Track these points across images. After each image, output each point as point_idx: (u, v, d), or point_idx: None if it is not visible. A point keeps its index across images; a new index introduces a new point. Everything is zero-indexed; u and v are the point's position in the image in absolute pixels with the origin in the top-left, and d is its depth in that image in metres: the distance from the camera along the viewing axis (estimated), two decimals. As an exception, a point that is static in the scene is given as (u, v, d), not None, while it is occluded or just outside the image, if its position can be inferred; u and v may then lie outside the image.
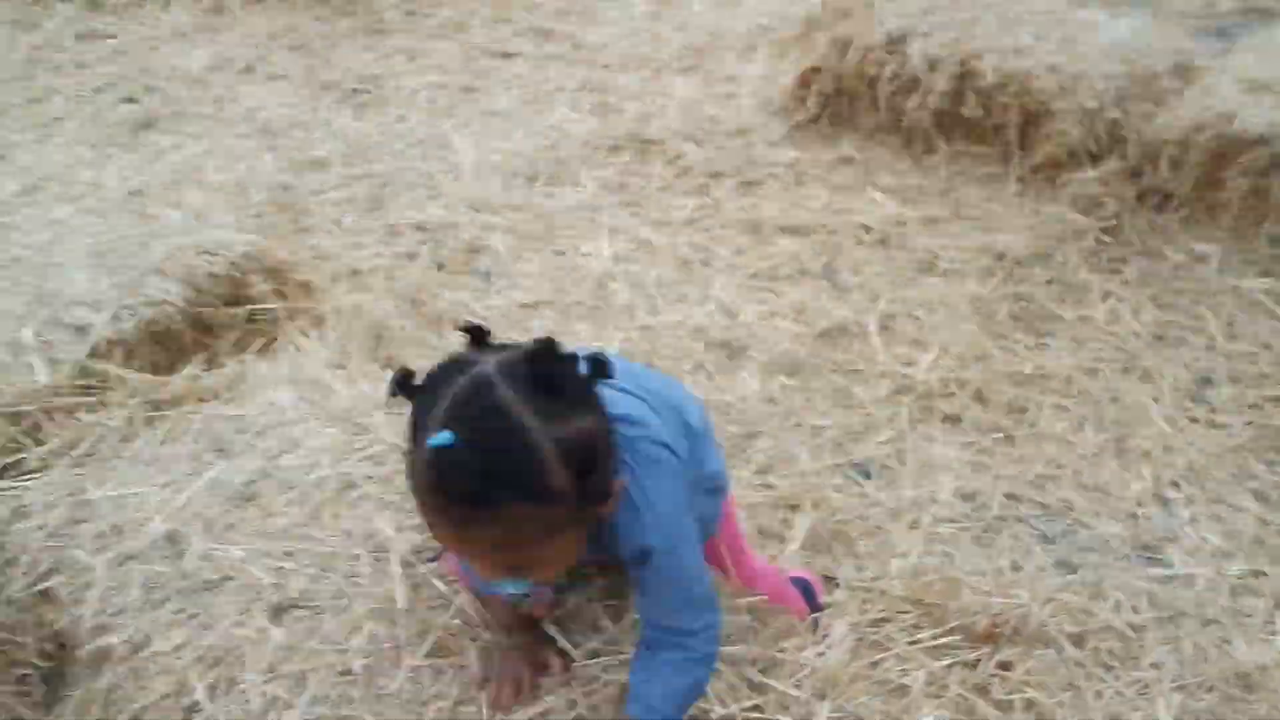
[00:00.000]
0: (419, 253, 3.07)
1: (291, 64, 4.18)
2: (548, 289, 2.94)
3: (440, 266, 3.02)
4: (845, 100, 3.61)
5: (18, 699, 1.71)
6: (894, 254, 3.12)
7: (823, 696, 1.50)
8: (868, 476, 2.42)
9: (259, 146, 3.63)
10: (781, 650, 1.54)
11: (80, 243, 2.22)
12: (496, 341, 1.22)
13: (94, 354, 1.95)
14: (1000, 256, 3.07)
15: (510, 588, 1.25)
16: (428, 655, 1.42)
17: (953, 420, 2.57)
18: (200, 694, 1.40)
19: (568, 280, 2.98)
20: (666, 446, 1.31)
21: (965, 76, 3.36)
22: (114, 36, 4.37)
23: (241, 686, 1.40)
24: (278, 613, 1.49)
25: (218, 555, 1.56)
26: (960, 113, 3.38)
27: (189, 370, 1.95)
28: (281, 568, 1.54)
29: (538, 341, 1.14)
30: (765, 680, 1.49)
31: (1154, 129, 3.14)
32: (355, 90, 4.00)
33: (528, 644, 1.44)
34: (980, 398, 2.62)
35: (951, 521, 2.31)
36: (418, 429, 1.12)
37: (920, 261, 3.09)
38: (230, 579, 1.54)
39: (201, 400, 1.87)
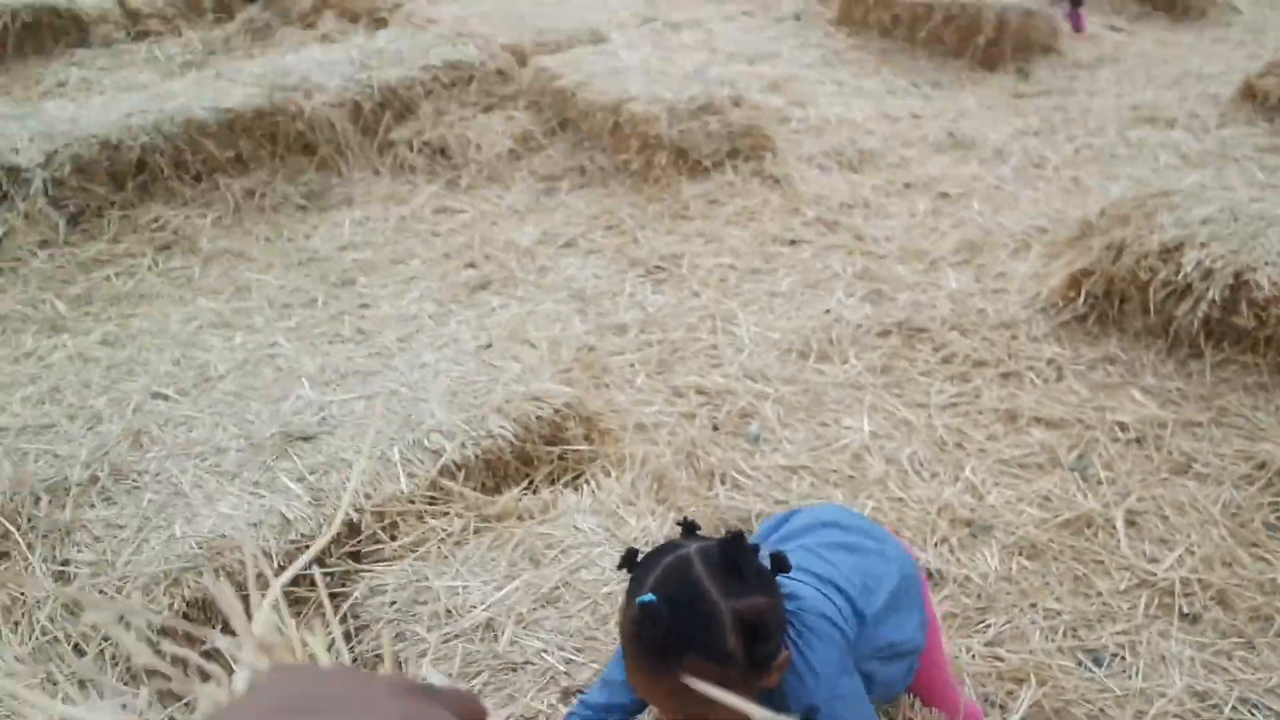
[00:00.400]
0: (698, 414, 3.49)
1: (606, 241, 4.83)
2: (808, 456, 3.27)
3: (715, 427, 3.43)
4: (1114, 302, 3.78)
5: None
6: (1149, 453, 3.22)
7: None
8: (1098, 664, 2.54)
9: (572, 310, 4.22)
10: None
11: (441, 384, 2.80)
12: (702, 533, 1.53)
13: (442, 473, 2.48)
14: (1261, 466, 3.11)
15: None
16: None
17: (1192, 619, 2.65)
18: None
19: (827, 449, 3.29)
20: (826, 618, 1.57)
21: (1240, 287, 3.46)
22: (464, 211, 5.21)
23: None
24: (566, 695, 1.87)
25: (524, 643, 1.97)
26: (1232, 321, 3.47)
27: (513, 493, 2.42)
28: (572, 660, 1.93)
29: (729, 533, 1.42)
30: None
31: None
32: (658, 267, 4.56)
33: None
34: (1223, 601, 2.68)
35: (1179, 718, 2.39)
36: (631, 592, 1.43)
37: (1176, 463, 3.18)
38: (531, 663, 1.93)
39: (520, 519, 2.32)
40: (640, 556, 1.50)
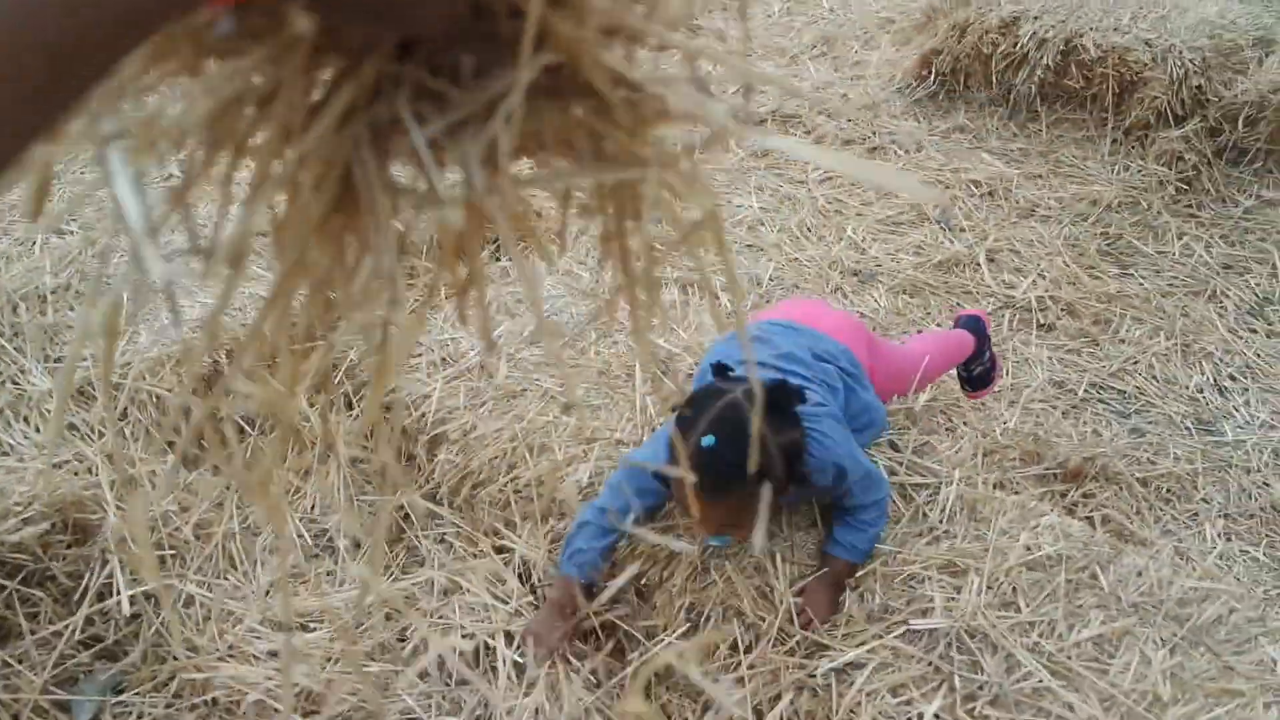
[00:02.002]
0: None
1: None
2: (710, 230, 3.60)
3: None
4: (961, 77, 4.19)
5: (358, 485, 2.44)
6: (1000, 203, 3.70)
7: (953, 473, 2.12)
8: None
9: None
10: (925, 443, 2.16)
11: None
12: (733, 374, 1.79)
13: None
14: (1093, 204, 3.62)
15: (714, 541, 1.85)
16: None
17: (1047, 328, 3.16)
18: (518, 454, 2.11)
19: (727, 223, 3.64)
20: (822, 405, 1.88)
21: (1070, 52, 3.91)
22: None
23: (546, 448, 2.10)
24: (567, 408, 2.19)
25: (518, 375, 2.27)
26: (1063, 83, 3.93)
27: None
28: (562, 383, 2.25)
29: (772, 382, 1.71)
30: (916, 459, 2.12)
31: (1233, 92, 3.66)
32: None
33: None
34: (1071, 311, 3.20)
35: (1043, 402, 2.90)
36: (684, 428, 1.65)
37: (1023, 209, 3.66)
38: (528, 389, 2.24)
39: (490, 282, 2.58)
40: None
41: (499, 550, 2.18)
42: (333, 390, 2.49)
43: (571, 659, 1.87)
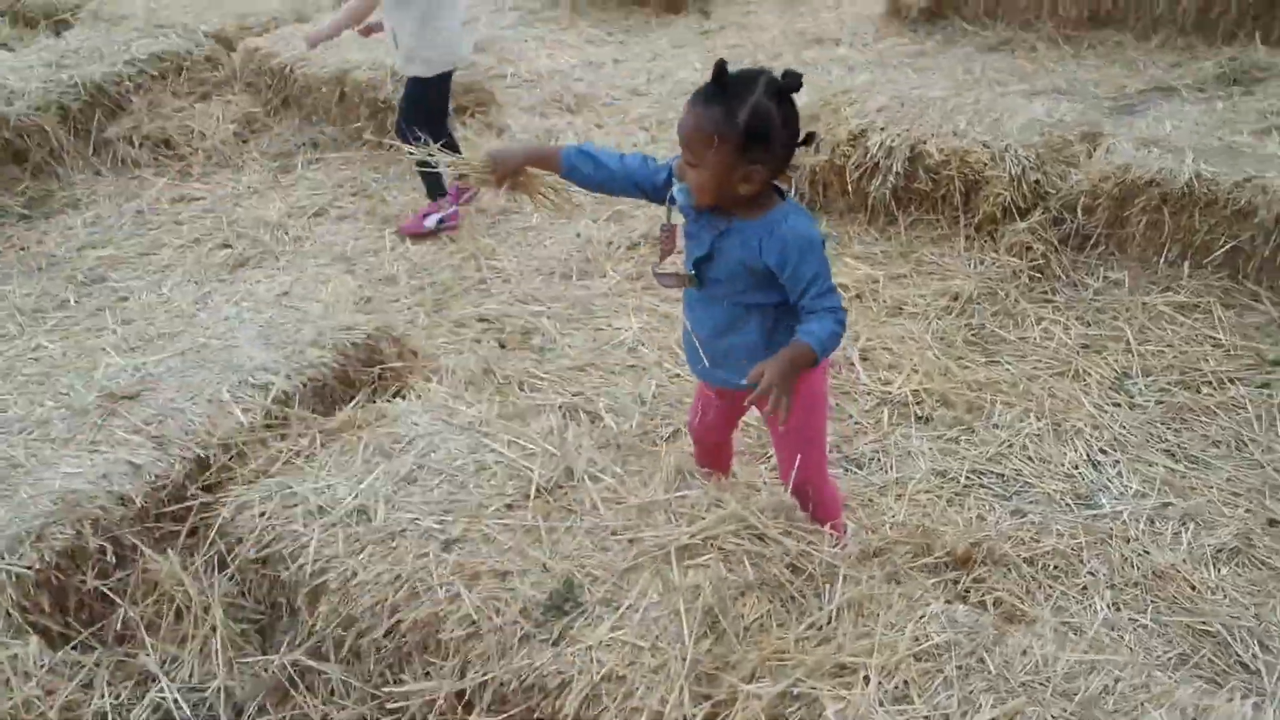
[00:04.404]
0: (483, 338, 3.78)
1: (355, 205, 4.98)
2: (590, 355, 3.64)
3: (502, 345, 3.74)
4: (820, 189, 4.38)
5: (239, 647, 2.34)
6: (869, 304, 3.83)
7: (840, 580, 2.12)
8: (860, 468, 3.07)
9: (339, 271, 4.38)
10: (812, 543, 2.17)
11: (250, 331, 2.96)
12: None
13: (275, 402, 2.66)
14: (955, 297, 3.77)
15: (678, 194, 2.04)
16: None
17: (925, 420, 3.24)
18: (399, 596, 2.06)
19: (607, 347, 3.68)
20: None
21: (915, 158, 4.12)
22: (202, 198, 5.19)
23: (429, 588, 2.05)
24: (447, 546, 2.15)
25: (397, 516, 2.23)
26: (914, 187, 4.13)
27: (348, 408, 2.64)
28: (443, 519, 2.20)
29: (787, 71, 1.94)
30: (798, 563, 2.12)
31: (1068, 184, 3.89)
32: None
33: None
34: (945, 402, 3.29)
35: (928, 492, 2.96)
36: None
37: (890, 308, 3.79)
38: (408, 530, 2.19)
39: (360, 428, 2.55)
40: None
41: (391, 710, 2.11)
42: (207, 550, 2.41)
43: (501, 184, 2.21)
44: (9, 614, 2.21)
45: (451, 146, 4.48)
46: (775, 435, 2.42)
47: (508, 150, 2.23)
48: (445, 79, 4.45)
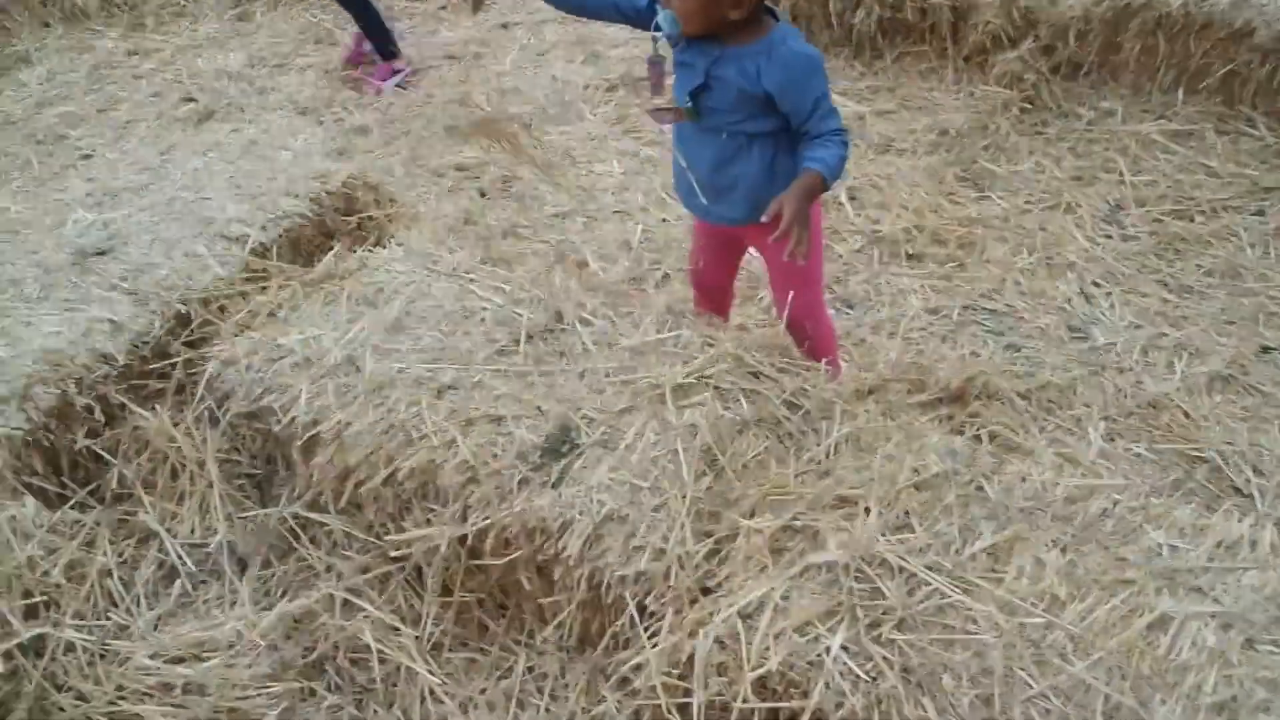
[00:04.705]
0: (464, 186, 3.68)
1: (319, 56, 4.77)
2: (573, 201, 3.55)
3: (482, 194, 3.64)
4: (803, 23, 4.21)
5: (237, 503, 2.33)
6: (855, 141, 3.72)
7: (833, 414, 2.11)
8: (851, 308, 3.04)
9: (308, 122, 4.22)
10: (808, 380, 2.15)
11: (220, 182, 2.86)
12: None
13: (252, 254, 2.59)
14: (944, 133, 3.68)
15: (665, 22, 1.92)
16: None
17: (916, 258, 3.20)
18: (394, 445, 2.04)
19: (594, 191, 3.59)
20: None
21: (903, -11, 3.96)
22: (159, 50, 4.96)
23: (424, 435, 2.03)
24: (440, 393, 2.12)
25: (386, 365, 2.19)
26: (900, 19, 3.98)
27: (327, 258, 2.56)
28: (432, 366, 2.17)
29: None
30: (794, 400, 2.11)
31: (1060, 10, 3.75)
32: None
33: None
34: (936, 239, 3.24)
35: (921, 330, 2.94)
36: None
37: (878, 146, 3.70)
38: (399, 379, 2.16)
39: (341, 278, 2.48)
40: None
41: (394, 558, 2.12)
42: (197, 406, 2.37)
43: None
44: (2, 476, 2.18)
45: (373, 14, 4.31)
46: (773, 271, 2.38)
47: None
48: None
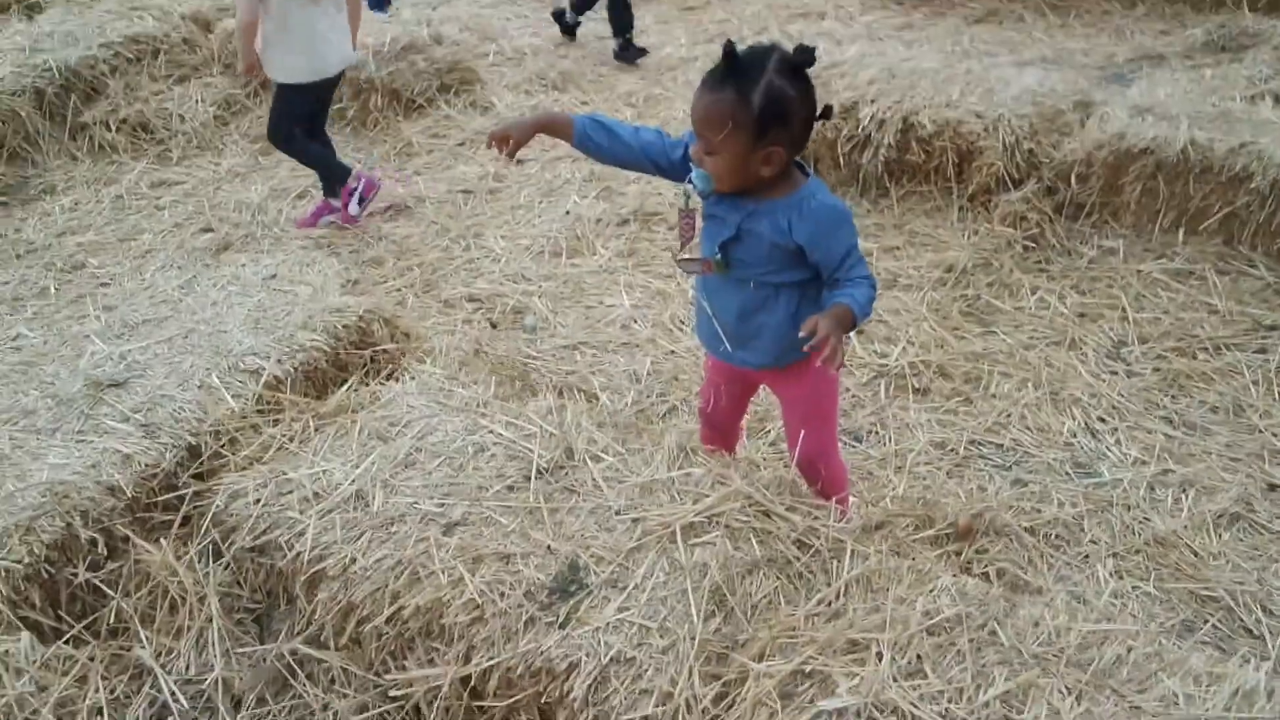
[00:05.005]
0: (474, 318, 3.74)
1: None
2: (584, 333, 3.59)
3: (493, 325, 3.69)
4: (811, 162, 4.33)
5: (236, 638, 2.30)
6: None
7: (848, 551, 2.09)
8: (859, 441, 3.05)
9: (324, 254, 4.31)
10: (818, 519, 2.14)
11: (238, 315, 2.91)
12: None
13: (266, 387, 2.61)
14: (949, 269, 3.75)
15: (698, 179, 1.97)
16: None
17: (922, 392, 3.21)
18: (400, 582, 2.02)
19: (600, 324, 3.64)
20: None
21: (907, 130, 4.09)
22: (182, 182, 5.11)
23: (431, 573, 2.02)
24: (448, 529, 2.11)
25: (395, 500, 2.19)
26: (906, 159, 4.10)
27: (341, 392, 2.59)
28: (443, 502, 2.16)
29: (799, 46, 1.88)
30: (804, 539, 2.09)
31: (1062, 153, 3.87)
32: (393, 206, 4.71)
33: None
34: (943, 373, 3.27)
35: (928, 464, 2.94)
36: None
37: (885, 281, 3.76)
38: (407, 515, 2.15)
39: (354, 411, 2.50)
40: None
41: (393, 698, 2.08)
42: (201, 539, 2.36)
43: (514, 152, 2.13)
44: (-1, 609, 2.16)
45: (326, 149, 4.48)
46: (789, 412, 2.39)
47: (520, 119, 2.17)
48: (313, 88, 4.29)
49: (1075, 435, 3.00)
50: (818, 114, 1.94)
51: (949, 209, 4.04)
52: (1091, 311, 3.50)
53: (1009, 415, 3.09)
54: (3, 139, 5.11)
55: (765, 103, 1.84)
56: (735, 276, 2.10)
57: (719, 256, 2.08)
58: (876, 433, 3.07)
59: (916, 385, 3.23)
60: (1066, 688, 1.75)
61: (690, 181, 2.01)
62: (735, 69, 1.86)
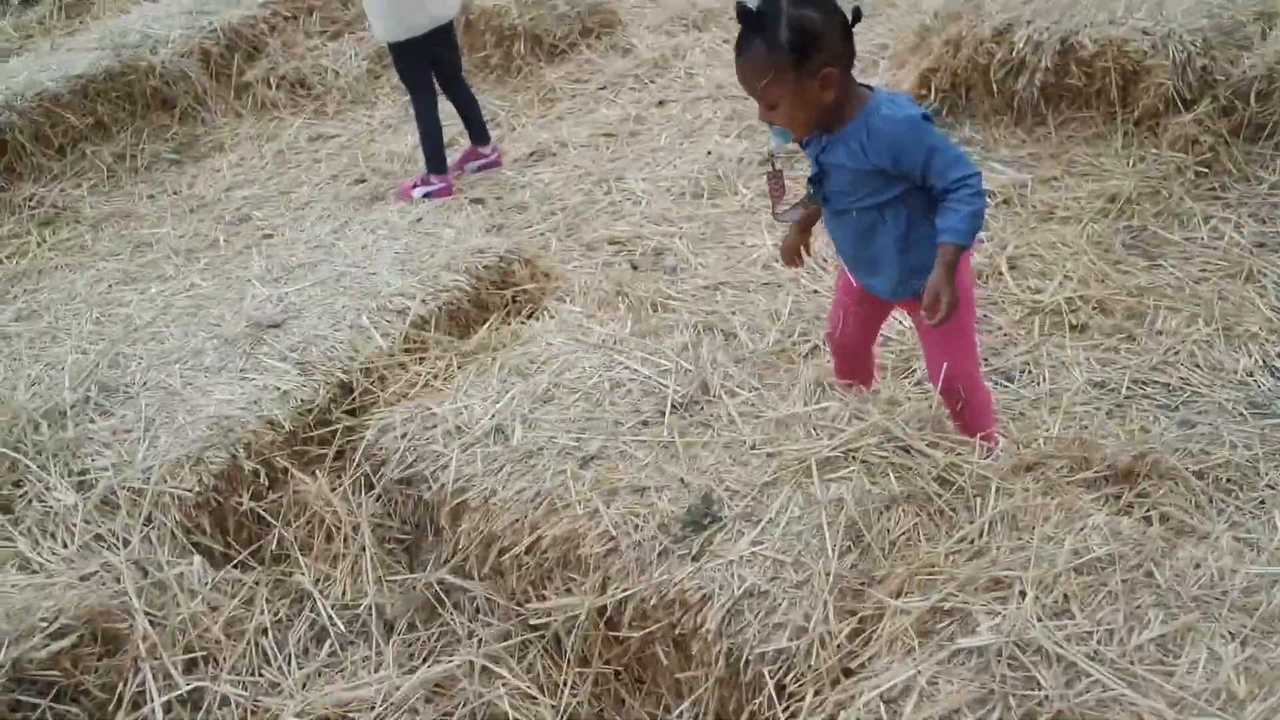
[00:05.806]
0: (615, 260, 3.75)
1: (485, 135, 4.99)
2: (724, 273, 3.56)
3: (634, 266, 3.69)
4: (962, 91, 4.15)
5: (387, 566, 2.39)
6: (1017, 210, 3.62)
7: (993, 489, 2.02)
8: (1010, 380, 2.93)
9: (467, 201, 4.40)
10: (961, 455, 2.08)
11: (386, 257, 3.01)
12: None
13: (412, 326, 2.70)
14: (1112, 199, 3.53)
15: (775, 135, 2.01)
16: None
17: (1080, 329, 3.06)
18: (539, 514, 2.06)
19: (742, 264, 3.60)
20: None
21: (1067, 52, 3.85)
22: (338, 135, 5.28)
23: (568, 505, 2.05)
24: (584, 463, 2.14)
25: (534, 434, 2.23)
26: (1065, 83, 3.87)
27: (483, 330, 2.65)
28: (580, 437, 2.19)
29: None
30: (947, 476, 2.03)
31: (1241, 69, 3.57)
32: (539, 150, 4.75)
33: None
34: (1103, 309, 3.10)
35: (1085, 404, 2.80)
36: None
37: (1041, 213, 3.58)
38: (545, 449, 2.19)
39: (495, 349, 2.56)
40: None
41: (534, 626, 2.13)
42: (354, 472, 2.46)
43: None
44: (174, 534, 2.31)
45: (469, 103, 4.58)
46: (926, 340, 2.33)
47: (787, 236, 2.34)
48: (409, 46, 4.27)
49: (1251, 374, 2.80)
50: (851, 20, 1.89)
51: (1112, 135, 3.80)
52: (1271, 241, 3.24)
53: (1176, 353, 2.90)
54: (175, 98, 5.39)
55: (792, 35, 1.83)
56: (835, 208, 2.11)
57: (811, 193, 2.11)
58: (1030, 371, 2.94)
59: (1074, 322, 3.07)
60: (1230, 632, 1.65)
61: (772, 149, 2.03)
62: (752, 24, 1.85)
